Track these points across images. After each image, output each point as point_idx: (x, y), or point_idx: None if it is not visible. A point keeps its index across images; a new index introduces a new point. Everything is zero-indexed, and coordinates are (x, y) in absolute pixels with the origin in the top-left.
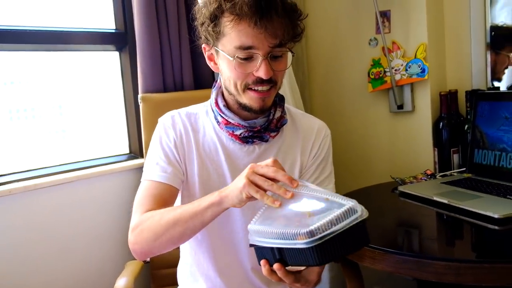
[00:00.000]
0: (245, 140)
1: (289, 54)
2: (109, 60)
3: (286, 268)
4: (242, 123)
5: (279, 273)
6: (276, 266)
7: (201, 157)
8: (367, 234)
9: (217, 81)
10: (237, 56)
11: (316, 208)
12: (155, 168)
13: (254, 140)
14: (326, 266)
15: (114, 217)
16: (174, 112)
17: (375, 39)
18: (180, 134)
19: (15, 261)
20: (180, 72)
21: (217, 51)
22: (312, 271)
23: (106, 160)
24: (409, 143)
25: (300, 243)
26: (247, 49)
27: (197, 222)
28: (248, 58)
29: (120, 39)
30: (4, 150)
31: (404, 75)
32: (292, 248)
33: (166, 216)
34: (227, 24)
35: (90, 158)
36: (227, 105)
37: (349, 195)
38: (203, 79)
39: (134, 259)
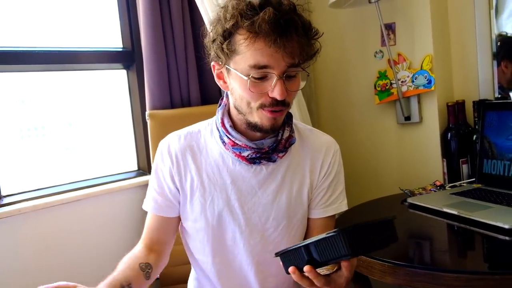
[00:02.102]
0: (252, 161)
1: (303, 74)
2: (117, 78)
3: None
4: (250, 144)
5: (310, 275)
6: (306, 268)
7: (203, 181)
8: (395, 232)
9: (223, 99)
10: (251, 76)
11: None
12: (149, 197)
13: (262, 161)
14: None
15: (123, 233)
16: (173, 136)
17: (381, 51)
18: (177, 160)
19: (25, 280)
20: (187, 88)
21: (228, 70)
22: (341, 275)
23: (114, 177)
24: (418, 154)
25: (331, 232)
26: (262, 68)
27: None
28: (263, 78)
29: (127, 58)
30: (16, 168)
31: (410, 86)
32: (323, 239)
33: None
34: (242, 42)
35: (99, 175)
36: (234, 126)
37: (358, 207)
38: (209, 94)
39: None
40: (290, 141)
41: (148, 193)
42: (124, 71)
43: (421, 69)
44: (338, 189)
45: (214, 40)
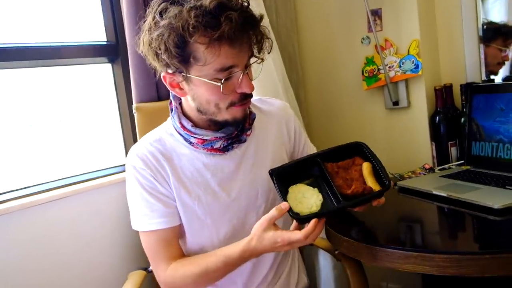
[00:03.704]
0: (225, 149)
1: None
2: (102, 72)
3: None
4: (218, 134)
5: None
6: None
7: (185, 184)
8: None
9: (171, 103)
10: (224, 80)
11: None
12: (152, 215)
13: (233, 146)
14: (330, 264)
15: (114, 229)
16: (138, 150)
17: (368, 37)
18: (155, 168)
19: (15, 279)
20: None
21: (186, 77)
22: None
23: (103, 172)
24: (406, 138)
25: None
26: (228, 69)
27: (232, 269)
28: (229, 78)
29: (112, 51)
30: (3, 168)
31: (398, 71)
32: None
33: (198, 272)
34: (203, 49)
35: (87, 171)
36: (195, 124)
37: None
38: None
39: (137, 269)
40: (251, 118)
41: (146, 214)
42: (109, 65)
43: (408, 54)
44: (306, 138)
45: (166, 50)
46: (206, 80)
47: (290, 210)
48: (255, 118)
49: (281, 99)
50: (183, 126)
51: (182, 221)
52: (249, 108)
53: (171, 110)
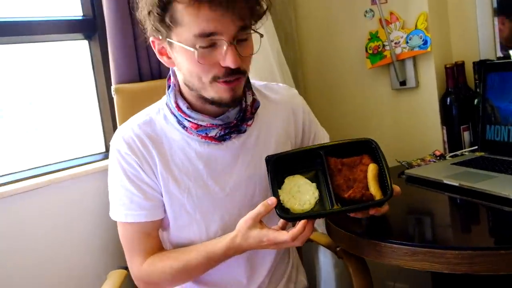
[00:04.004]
0: (221, 138)
1: (257, 36)
2: (78, 50)
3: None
4: (215, 121)
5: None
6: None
7: (174, 174)
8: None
9: (170, 79)
10: (199, 46)
11: None
12: (130, 206)
13: (231, 136)
14: (331, 262)
15: (93, 222)
16: (125, 129)
17: (371, 10)
18: (141, 153)
19: None
20: (157, 59)
21: (170, 43)
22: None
23: (80, 160)
24: (415, 122)
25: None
26: (209, 35)
27: (214, 265)
28: (211, 46)
29: (88, 26)
30: None
31: (405, 48)
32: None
33: (178, 267)
34: (183, 10)
35: (63, 159)
36: (191, 106)
37: None
38: None
39: (117, 268)
40: (255, 106)
41: (126, 204)
42: (85, 42)
43: (415, 28)
44: (318, 127)
45: (149, 13)
46: (183, 46)
47: (278, 206)
48: (258, 107)
49: (277, 81)
50: (178, 106)
51: (167, 213)
52: (253, 94)
53: (168, 87)
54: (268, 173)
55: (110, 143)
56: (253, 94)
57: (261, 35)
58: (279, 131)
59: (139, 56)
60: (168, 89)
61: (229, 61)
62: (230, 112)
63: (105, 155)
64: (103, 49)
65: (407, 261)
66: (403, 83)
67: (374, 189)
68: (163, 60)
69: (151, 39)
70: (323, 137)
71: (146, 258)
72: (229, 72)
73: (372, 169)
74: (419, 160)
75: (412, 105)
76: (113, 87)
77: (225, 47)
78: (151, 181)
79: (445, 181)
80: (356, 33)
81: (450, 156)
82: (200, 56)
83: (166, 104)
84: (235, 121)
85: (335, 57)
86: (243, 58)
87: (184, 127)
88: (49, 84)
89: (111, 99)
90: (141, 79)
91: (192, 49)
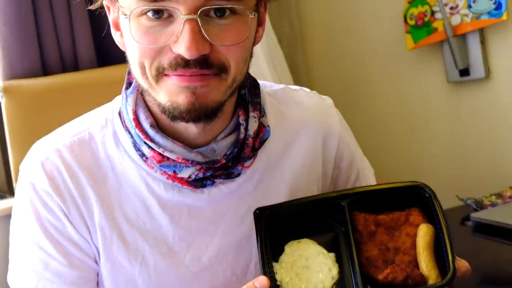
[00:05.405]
0: (198, 184)
1: (248, 15)
2: None
3: None
4: (191, 156)
5: None
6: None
7: (121, 230)
8: None
9: (130, 74)
10: (137, 14)
11: None
12: (45, 275)
13: (215, 180)
14: None
15: None
16: (45, 155)
17: None
18: (72, 198)
19: None
20: (72, 42)
21: (118, 9)
22: None
23: None
24: (485, 134)
25: None
26: (156, 0)
27: None
28: (161, 17)
29: None
30: None
31: (466, 16)
32: None
33: None
34: None
35: None
36: (158, 123)
37: None
38: (112, 49)
39: None
40: (262, 138)
41: (35, 271)
42: None
43: None
44: (360, 165)
45: None
46: (124, 11)
47: None
48: (267, 138)
49: (263, 75)
50: (137, 120)
51: None
52: (260, 115)
53: (128, 85)
54: (257, 236)
55: (20, 171)
56: (260, 114)
57: (254, 13)
58: (298, 167)
59: (43, 40)
60: (125, 89)
61: (182, 44)
62: (218, 144)
63: None
64: None
65: None
66: (464, 72)
67: (427, 267)
68: (116, 38)
69: (104, 1)
70: (368, 178)
71: None
72: (181, 62)
73: (425, 233)
74: (493, 197)
75: (479, 108)
76: (0, 85)
77: (181, 22)
78: (82, 239)
79: None
80: None
81: None
82: (142, 30)
83: (120, 113)
84: (223, 160)
85: (357, 32)
86: (216, 47)
87: (143, 155)
88: None
89: None
90: (45, 72)
91: (125, 18)
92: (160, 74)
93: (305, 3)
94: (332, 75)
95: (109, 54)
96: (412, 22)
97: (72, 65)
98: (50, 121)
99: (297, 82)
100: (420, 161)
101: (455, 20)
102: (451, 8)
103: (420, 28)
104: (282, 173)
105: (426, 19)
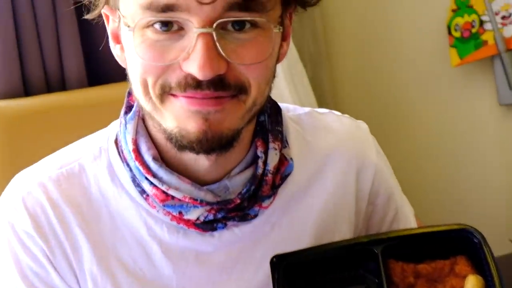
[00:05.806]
0: (208, 227)
1: (272, 29)
2: None
3: None
4: (199, 194)
5: None
6: None
7: (116, 278)
8: None
9: (130, 95)
10: (141, 26)
11: None
12: None
13: (227, 222)
14: None
15: None
16: (27, 190)
17: None
18: (58, 241)
19: None
20: (58, 57)
21: (119, 20)
22: None
23: None
24: None
25: None
26: (165, 11)
27: None
28: (170, 30)
29: None
30: None
31: None
32: None
33: None
34: None
35: None
36: (162, 155)
37: None
38: (106, 65)
39: None
40: (283, 174)
41: None
42: None
43: None
44: (401, 199)
45: None
46: (126, 22)
47: None
48: (289, 174)
49: (281, 95)
50: (137, 151)
51: None
52: (282, 147)
53: (128, 109)
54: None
55: (1, 213)
56: (282, 145)
57: (279, 27)
58: (325, 207)
59: (24, 56)
60: (125, 114)
61: (193, 63)
62: (232, 180)
63: None
64: None
65: None
66: None
67: None
68: (115, 52)
69: (103, 11)
70: (407, 219)
71: None
72: (193, 83)
73: (473, 285)
74: None
75: None
76: None
77: (194, 36)
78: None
79: None
80: (430, 2)
81: None
82: (144, 43)
83: (117, 142)
84: (238, 200)
85: (393, 46)
86: (233, 65)
87: (143, 192)
88: None
89: None
90: (27, 92)
91: (128, 30)
92: (165, 93)
93: (332, 10)
94: (363, 97)
95: (102, 71)
96: (457, 34)
97: (58, 84)
98: (32, 149)
99: (321, 104)
100: (468, 199)
101: (508, 31)
102: (503, 17)
103: (467, 41)
104: (306, 211)
105: (474, 30)
